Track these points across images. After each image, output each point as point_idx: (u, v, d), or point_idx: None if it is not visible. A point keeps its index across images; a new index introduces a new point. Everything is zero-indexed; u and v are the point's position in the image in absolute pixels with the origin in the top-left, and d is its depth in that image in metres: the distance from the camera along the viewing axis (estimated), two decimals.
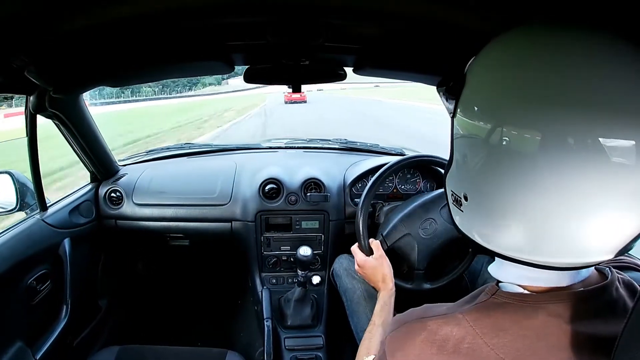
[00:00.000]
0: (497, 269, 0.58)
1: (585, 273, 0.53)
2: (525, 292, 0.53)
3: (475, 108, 0.51)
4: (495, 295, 0.54)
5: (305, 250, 1.42)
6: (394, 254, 1.23)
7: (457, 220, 0.58)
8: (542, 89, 0.44)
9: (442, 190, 1.40)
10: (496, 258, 0.57)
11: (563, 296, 0.51)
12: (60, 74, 1.00)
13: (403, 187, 1.73)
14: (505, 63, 0.50)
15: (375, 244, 1.16)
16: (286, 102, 27.09)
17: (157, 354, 1.32)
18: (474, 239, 0.55)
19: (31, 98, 1.14)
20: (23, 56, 0.86)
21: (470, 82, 0.52)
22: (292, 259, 1.68)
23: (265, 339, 1.38)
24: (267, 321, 1.44)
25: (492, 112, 0.49)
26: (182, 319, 2.10)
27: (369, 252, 1.16)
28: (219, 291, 2.24)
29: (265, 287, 1.66)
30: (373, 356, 0.83)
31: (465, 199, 0.54)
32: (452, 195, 0.58)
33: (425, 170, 1.73)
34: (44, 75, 0.96)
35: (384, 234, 1.25)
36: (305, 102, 27.64)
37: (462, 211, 0.56)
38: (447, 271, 1.27)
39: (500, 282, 0.57)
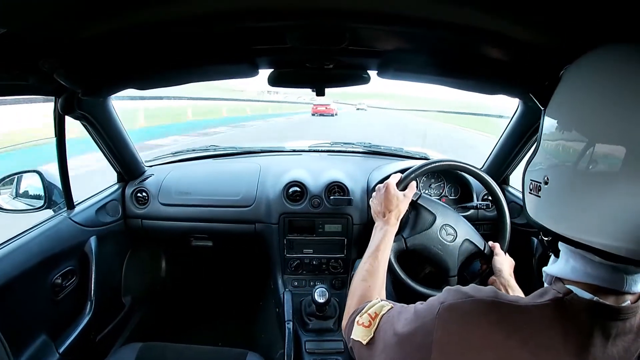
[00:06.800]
0: (560, 265, 0.56)
1: None
2: (598, 300, 0.50)
3: (568, 112, 0.54)
4: (568, 297, 0.52)
5: (320, 295, 1.42)
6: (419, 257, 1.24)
7: (531, 208, 0.60)
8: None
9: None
10: (561, 253, 0.57)
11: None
12: (88, 77, 1.02)
13: (427, 192, 1.69)
14: (605, 76, 0.51)
15: (412, 185, 1.18)
16: (312, 115, 22.41)
17: (178, 352, 1.32)
18: (545, 225, 0.56)
19: (60, 100, 1.17)
20: (52, 59, 0.87)
21: (566, 86, 0.55)
22: (314, 262, 1.67)
23: (286, 341, 1.37)
24: (288, 323, 1.43)
25: (583, 121, 0.51)
26: (204, 318, 2.11)
27: (403, 187, 1.18)
28: (241, 292, 2.25)
29: (287, 289, 1.64)
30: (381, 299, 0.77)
31: (546, 182, 0.56)
32: (530, 184, 0.60)
33: (450, 176, 1.69)
34: (72, 78, 0.98)
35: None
36: (332, 115, 22.50)
37: (540, 197, 0.57)
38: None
39: (562, 279, 0.55)
